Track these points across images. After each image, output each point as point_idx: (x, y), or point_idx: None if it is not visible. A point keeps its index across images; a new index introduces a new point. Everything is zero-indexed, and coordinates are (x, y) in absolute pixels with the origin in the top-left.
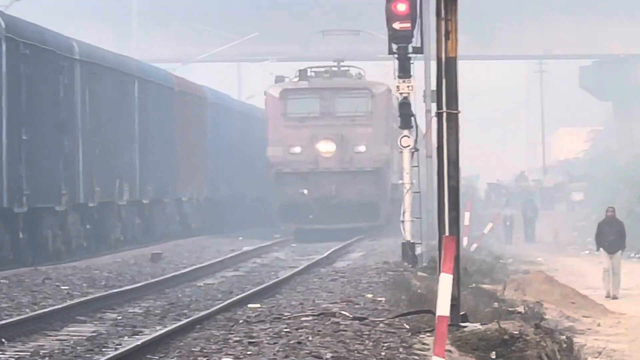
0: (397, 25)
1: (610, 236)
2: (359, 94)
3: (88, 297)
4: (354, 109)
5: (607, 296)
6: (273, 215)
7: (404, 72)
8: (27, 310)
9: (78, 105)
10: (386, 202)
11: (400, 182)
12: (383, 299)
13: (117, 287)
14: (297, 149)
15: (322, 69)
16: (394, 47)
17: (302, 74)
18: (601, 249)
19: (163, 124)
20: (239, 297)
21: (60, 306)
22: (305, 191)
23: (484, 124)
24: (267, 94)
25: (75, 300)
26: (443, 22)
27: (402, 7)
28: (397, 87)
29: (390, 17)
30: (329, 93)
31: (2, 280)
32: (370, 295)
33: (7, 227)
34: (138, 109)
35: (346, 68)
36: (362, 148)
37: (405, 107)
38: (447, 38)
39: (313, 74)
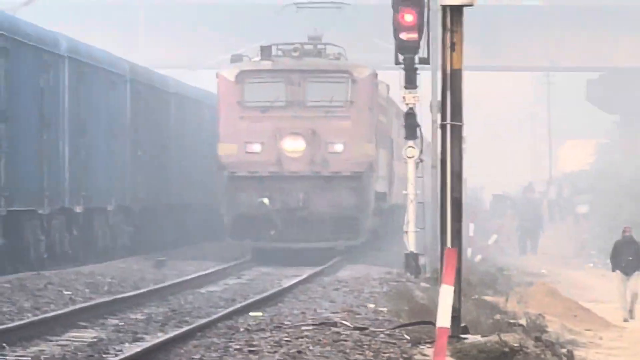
0: (404, 36)
1: (627, 257)
2: (336, 78)
3: (90, 303)
4: (329, 97)
5: (626, 320)
6: (224, 230)
7: (410, 82)
8: (29, 314)
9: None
10: (368, 215)
11: (404, 192)
12: (385, 309)
13: (120, 292)
14: (256, 147)
15: (291, 47)
16: (401, 57)
17: (265, 52)
18: (617, 271)
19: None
20: (240, 305)
21: (62, 311)
22: (266, 200)
23: (490, 135)
24: (220, 77)
25: (78, 306)
26: (448, 34)
27: (409, 18)
28: (403, 97)
29: (398, 27)
30: (298, 76)
31: (4, 285)
32: (372, 306)
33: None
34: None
35: (322, 46)
36: (338, 147)
37: (410, 117)
38: (452, 50)
39: (280, 52)
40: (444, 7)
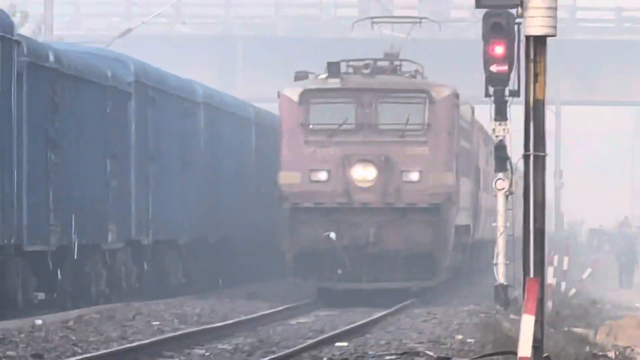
0: (494, 68)
1: None
2: (412, 98)
3: (177, 333)
4: (404, 119)
5: None
6: (286, 268)
7: (500, 114)
8: (115, 344)
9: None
10: (447, 252)
11: (494, 224)
12: (472, 340)
13: (209, 323)
14: (322, 175)
15: (361, 63)
16: (491, 89)
17: (332, 69)
18: None
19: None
20: (327, 335)
21: (147, 341)
22: (333, 235)
23: (590, 169)
24: (282, 96)
25: (165, 336)
26: (532, 64)
27: (499, 50)
28: (493, 129)
29: (488, 59)
30: (370, 96)
31: (93, 315)
32: (459, 337)
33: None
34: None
35: (398, 63)
36: (414, 176)
37: (500, 149)
38: (535, 80)
39: (350, 69)
40: (527, 38)
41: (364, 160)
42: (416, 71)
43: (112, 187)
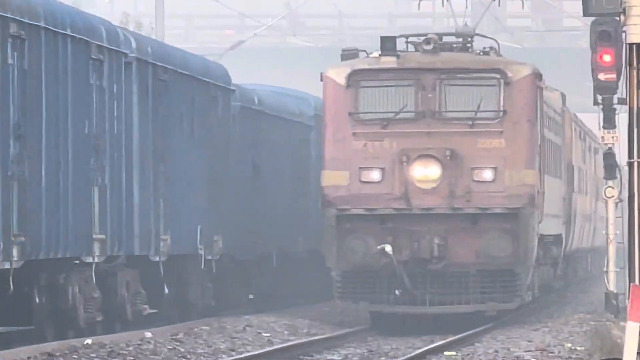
0: (602, 76)
1: None
2: (484, 79)
3: (287, 344)
4: (474, 105)
5: None
6: (332, 287)
7: (609, 122)
8: (224, 355)
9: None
10: (529, 266)
11: (604, 232)
12: (582, 348)
13: (319, 334)
14: (375, 175)
15: (423, 38)
16: (599, 97)
17: (387, 45)
18: None
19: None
20: (436, 344)
21: (256, 352)
22: (388, 248)
23: None
24: (326, 79)
25: (274, 347)
26: (635, 71)
27: (607, 58)
28: (602, 137)
29: (596, 67)
30: (433, 77)
31: (203, 327)
32: (568, 345)
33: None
34: None
35: (468, 39)
36: (487, 174)
37: (609, 157)
38: (638, 87)
39: (410, 46)
40: (630, 45)
41: (426, 156)
42: (490, 48)
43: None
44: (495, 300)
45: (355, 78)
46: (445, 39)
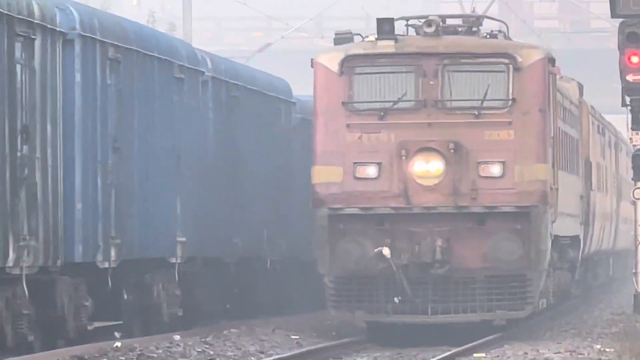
0: (630, 77)
1: None
2: (491, 64)
3: (316, 347)
4: (480, 93)
5: None
6: (323, 294)
7: (637, 123)
8: (253, 358)
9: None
10: (541, 271)
11: (631, 233)
12: (611, 349)
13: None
14: (371, 171)
15: (424, 20)
16: (627, 99)
17: (385, 28)
18: None
19: None
20: (464, 347)
21: (285, 355)
22: (386, 251)
23: None
24: (317, 65)
25: (303, 349)
26: None
27: (635, 59)
28: (630, 138)
29: (624, 69)
30: (434, 63)
31: (232, 330)
32: (598, 346)
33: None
34: None
35: (474, 21)
36: (495, 169)
37: (638, 159)
38: None
39: (411, 30)
40: None
41: (427, 150)
42: (499, 30)
43: None
44: (504, 309)
45: (349, 64)
46: (450, 21)
